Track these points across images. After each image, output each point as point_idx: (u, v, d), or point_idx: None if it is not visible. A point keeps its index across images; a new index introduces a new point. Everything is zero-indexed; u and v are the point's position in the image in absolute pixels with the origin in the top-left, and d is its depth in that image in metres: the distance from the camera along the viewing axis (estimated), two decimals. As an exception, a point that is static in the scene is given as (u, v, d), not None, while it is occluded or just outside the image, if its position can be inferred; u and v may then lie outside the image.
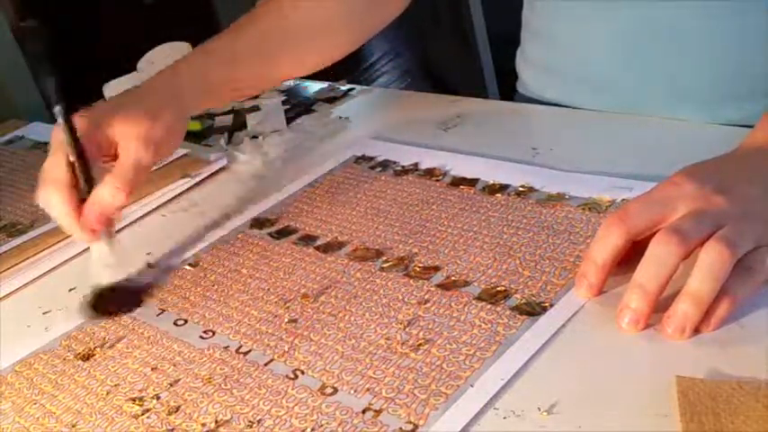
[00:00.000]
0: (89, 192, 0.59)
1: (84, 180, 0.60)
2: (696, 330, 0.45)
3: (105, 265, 0.62)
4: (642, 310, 0.46)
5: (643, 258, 0.46)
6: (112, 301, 0.61)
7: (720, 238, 0.45)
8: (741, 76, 0.71)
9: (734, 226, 0.46)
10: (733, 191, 0.48)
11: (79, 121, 0.61)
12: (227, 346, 0.53)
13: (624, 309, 0.46)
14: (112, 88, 1.05)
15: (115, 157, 0.62)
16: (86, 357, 0.56)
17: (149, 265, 0.65)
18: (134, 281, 0.63)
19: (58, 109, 0.59)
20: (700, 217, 0.46)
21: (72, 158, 0.59)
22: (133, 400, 0.50)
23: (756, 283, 0.46)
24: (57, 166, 0.60)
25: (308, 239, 0.64)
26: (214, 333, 0.55)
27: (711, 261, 0.44)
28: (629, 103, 0.74)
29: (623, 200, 0.59)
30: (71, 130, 0.59)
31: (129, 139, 0.61)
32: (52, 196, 0.59)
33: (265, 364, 0.51)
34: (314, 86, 1.01)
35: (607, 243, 0.49)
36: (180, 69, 0.69)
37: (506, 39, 0.81)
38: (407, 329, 0.51)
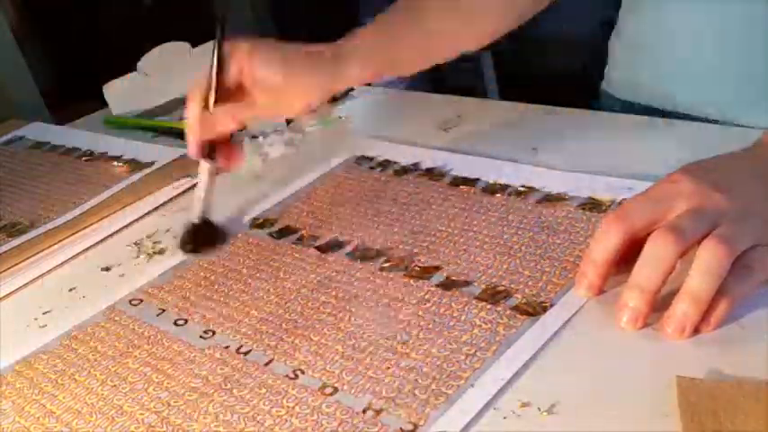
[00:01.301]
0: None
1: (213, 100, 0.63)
2: (696, 330, 0.45)
3: (199, 199, 0.66)
4: (640, 308, 0.46)
5: (640, 257, 0.46)
6: (207, 235, 0.66)
7: (718, 236, 0.45)
8: None
9: (732, 224, 0.45)
10: (733, 189, 0.48)
11: (229, 48, 0.64)
12: (228, 346, 0.53)
13: (623, 308, 0.47)
14: (112, 88, 1.05)
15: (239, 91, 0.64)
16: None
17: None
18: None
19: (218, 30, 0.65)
20: (697, 215, 0.46)
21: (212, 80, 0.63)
22: (133, 400, 0.50)
23: (755, 282, 0.46)
24: (200, 83, 0.64)
25: (308, 239, 0.64)
26: (214, 333, 0.55)
27: (709, 260, 0.44)
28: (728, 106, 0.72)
29: (623, 200, 0.59)
30: (220, 51, 0.64)
31: (254, 82, 0.63)
32: (190, 104, 0.63)
33: (265, 364, 0.51)
34: (314, 86, 1.01)
35: (606, 242, 0.49)
36: (349, 40, 0.68)
37: (509, 40, 0.80)
38: (407, 329, 0.51)
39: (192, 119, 0.63)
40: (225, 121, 0.63)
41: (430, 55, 0.74)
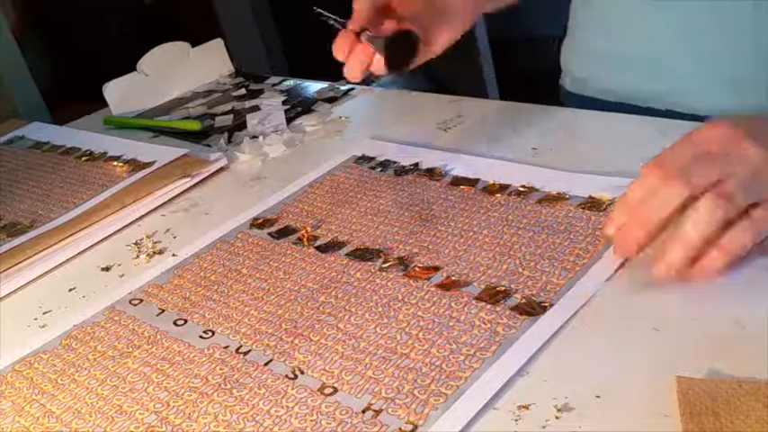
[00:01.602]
0: None
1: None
2: (688, 277, 0.47)
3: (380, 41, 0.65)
4: (679, 262, 0.48)
5: (686, 216, 0.47)
6: (402, 49, 0.66)
7: (720, 191, 0.47)
8: None
9: (742, 181, 0.47)
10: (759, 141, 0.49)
11: None
12: (227, 346, 0.53)
13: (662, 257, 0.48)
14: (112, 88, 1.05)
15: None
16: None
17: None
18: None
19: None
20: (710, 162, 0.48)
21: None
22: (133, 399, 0.50)
23: (753, 236, 0.47)
24: None
25: (308, 239, 0.64)
26: (214, 333, 0.55)
27: (705, 211, 0.47)
28: (685, 93, 0.75)
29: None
30: None
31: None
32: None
33: (265, 364, 0.51)
34: (314, 86, 1.01)
35: (668, 201, 0.49)
36: None
37: (507, 40, 0.80)
38: (407, 329, 0.51)
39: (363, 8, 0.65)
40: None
41: None
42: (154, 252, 0.69)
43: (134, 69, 1.07)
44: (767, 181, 0.48)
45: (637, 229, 0.49)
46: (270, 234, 0.67)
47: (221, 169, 0.83)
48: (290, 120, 0.91)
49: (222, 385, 0.50)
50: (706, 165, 0.48)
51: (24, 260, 0.71)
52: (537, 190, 0.64)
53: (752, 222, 0.47)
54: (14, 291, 0.68)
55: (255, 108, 0.95)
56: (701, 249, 0.47)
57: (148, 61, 1.07)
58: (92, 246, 0.73)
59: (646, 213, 0.49)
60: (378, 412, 0.45)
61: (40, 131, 1.06)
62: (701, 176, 0.48)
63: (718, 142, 0.50)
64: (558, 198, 0.62)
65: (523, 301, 0.51)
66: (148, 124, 1.00)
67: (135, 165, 0.86)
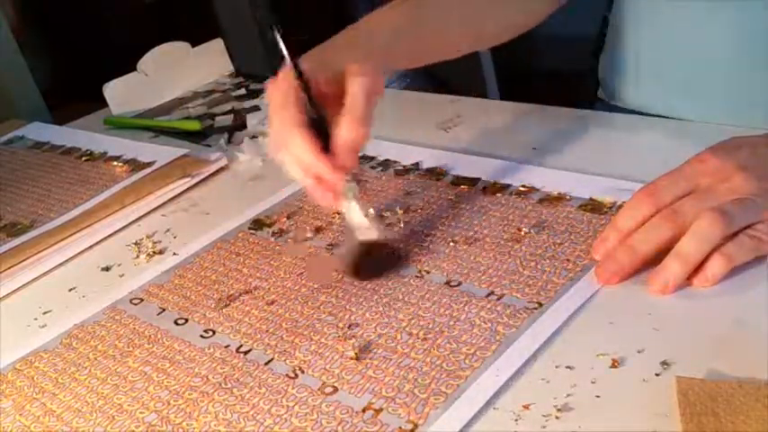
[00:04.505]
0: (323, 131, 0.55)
1: (318, 120, 0.55)
2: (690, 284, 0.48)
3: (361, 224, 0.56)
4: (679, 276, 0.48)
5: (689, 231, 0.48)
6: (376, 261, 0.57)
7: (720, 208, 0.48)
8: None
9: (739, 201, 0.48)
10: (757, 168, 0.50)
11: (304, 64, 0.56)
12: (228, 346, 0.53)
13: (661, 272, 0.49)
14: (112, 88, 1.05)
15: (338, 95, 0.56)
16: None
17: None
18: (389, 240, 0.59)
19: (285, 54, 0.56)
20: (745, 203, 0.49)
21: (305, 103, 0.55)
22: (133, 398, 0.50)
23: (752, 250, 0.48)
24: (289, 107, 0.55)
25: (307, 239, 0.64)
26: (214, 332, 0.55)
27: (705, 227, 0.47)
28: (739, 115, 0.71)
29: (624, 203, 0.59)
30: (300, 75, 0.55)
31: (355, 72, 0.56)
32: (296, 139, 0.54)
33: (265, 364, 0.51)
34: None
35: (635, 211, 0.52)
36: (363, 25, 0.65)
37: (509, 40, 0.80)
38: (408, 329, 0.51)
39: (315, 158, 0.54)
40: (358, 130, 0.54)
41: (448, 48, 0.72)
42: (154, 252, 0.69)
43: (134, 69, 1.07)
44: (764, 204, 0.49)
45: (622, 257, 0.50)
46: (270, 234, 0.67)
47: (221, 169, 0.83)
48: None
49: (223, 384, 0.50)
50: (697, 201, 0.50)
51: (24, 260, 0.71)
52: (537, 190, 0.64)
53: (755, 232, 0.48)
54: (14, 291, 0.68)
55: (255, 108, 0.96)
56: (698, 264, 0.48)
57: (148, 61, 1.07)
58: (92, 246, 0.73)
59: (631, 244, 0.50)
60: (378, 411, 0.45)
61: (40, 131, 1.06)
62: (689, 215, 0.49)
63: (712, 176, 0.51)
64: (559, 199, 0.62)
65: (524, 301, 0.51)
66: (148, 124, 1.00)
67: (135, 165, 0.86)
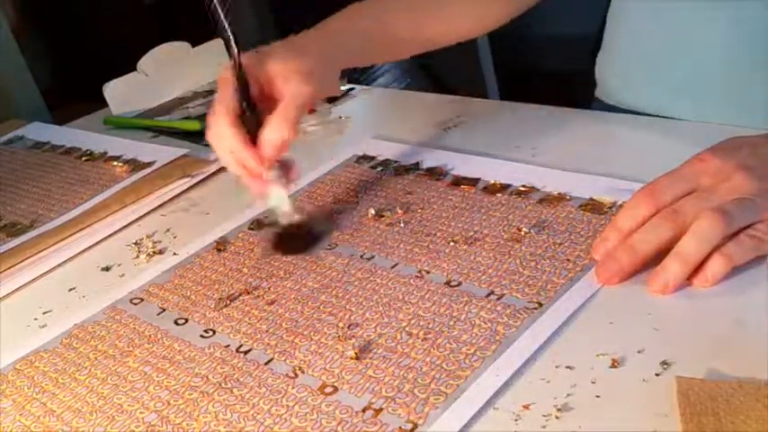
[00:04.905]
0: (256, 124, 0.59)
1: (250, 113, 0.60)
2: (690, 284, 0.48)
3: (282, 211, 0.63)
4: (679, 276, 0.48)
5: (689, 231, 0.48)
6: (294, 241, 0.63)
7: (720, 208, 0.48)
8: None
9: (740, 201, 0.48)
10: (757, 168, 0.50)
11: (245, 59, 0.60)
12: (228, 345, 0.53)
13: (661, 272, 0.49)
14: (112, 88, 1.05)
15: (271, 95, 0.61)
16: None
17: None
18: (312, 224, 0.65)
19: (232, 46, 0.59)
20: (744, 203, 0.49)
21: (240, 96, 0.60)
22: (133, 398, 0.50)
23: (753, 250, 0.48)
24: (226, 100, 0.59)
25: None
26: (214, 332, 0.55)
27: (705, 227, 0.47)
28: (739, 115, 0.70)
29: (624, 203, 0.59)
30: (239, 67, 0.59)
31: (287, 73, 0.60)
32: (225, 129, 0.59)
33: (265, 363, 0.51)
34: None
35: (635, 211, 0.52)
36: (330, 23, 0.69)
37: (509, 40, 0.80)
38: (408, 329, 0.51)
39: (241, 148, 0.59)
40: (283, 130, 0.58)
41: (420, 39, 0.76)
42: (154, 252, 0.69)
43: (134, 69, 1.07)
44: (764, 204, 0.49)
45: (622, 257, 0.51)
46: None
47: (221, 169, 0.83)
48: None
49: (223, 384, 0.50)
50: (697, 201, 0.50)
51: (24, 260, 0.71)
52: (537, 190, 0.64)
53: (755, 231, 0.48)
54: (14, 291, 0.68)
55: (255, 108, 0.95)
56: (698, 264, 0.48)
57: (148, 61, 1.07)
58: (92, 246, 0.73)
59: (632, 244, 0.50)
60: (378, 411, 0.45)
61: (40, 131, 1.06)
62: (689, 215, 0.49)
63: (712, 176, 0.51)
64: (559, 199, 0.62)
65: (524, 300, 0.51)
66: (148, 124, 1.00)
67: (135, 165, 0.86)
